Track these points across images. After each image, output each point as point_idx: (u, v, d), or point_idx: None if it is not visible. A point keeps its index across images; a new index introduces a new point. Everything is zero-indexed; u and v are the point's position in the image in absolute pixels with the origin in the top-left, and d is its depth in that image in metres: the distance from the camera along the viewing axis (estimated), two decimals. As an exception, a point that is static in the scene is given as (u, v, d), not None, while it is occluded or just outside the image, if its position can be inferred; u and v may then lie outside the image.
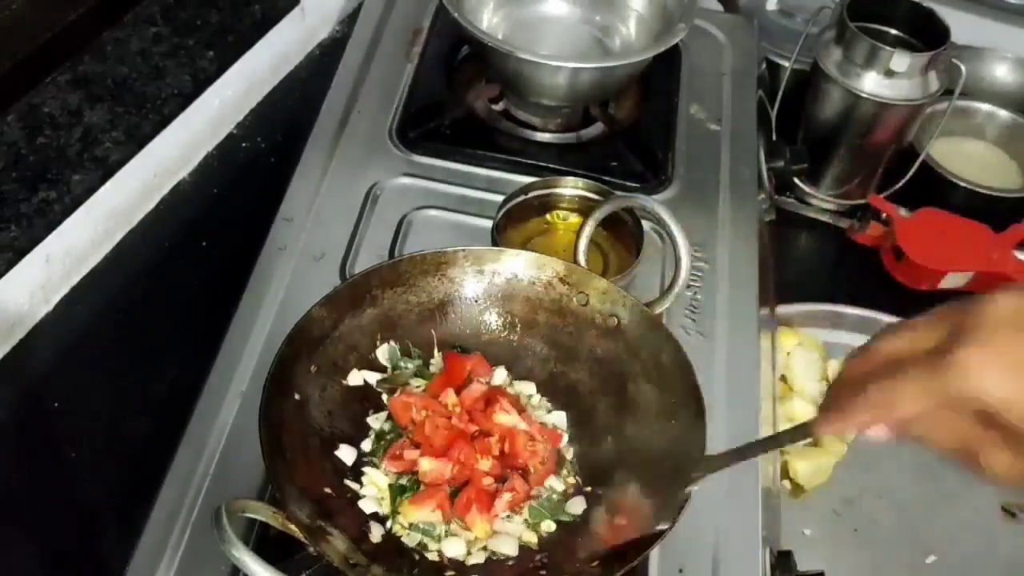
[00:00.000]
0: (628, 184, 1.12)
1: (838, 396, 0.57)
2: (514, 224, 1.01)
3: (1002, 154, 1.50)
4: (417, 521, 0.76)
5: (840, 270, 1.40)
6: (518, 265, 0.89)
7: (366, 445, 0.82)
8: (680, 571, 0.83)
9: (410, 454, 0.79)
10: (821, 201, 1.45)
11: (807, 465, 1.13)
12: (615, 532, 0.76)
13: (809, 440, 1.15)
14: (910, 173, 1.38)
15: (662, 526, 0.71)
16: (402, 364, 0.86)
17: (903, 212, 1.36)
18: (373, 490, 0.79)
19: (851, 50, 1.30)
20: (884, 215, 1.38)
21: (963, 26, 1.36)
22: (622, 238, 1.01)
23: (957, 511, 1.14)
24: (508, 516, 0.78)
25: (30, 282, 0.98)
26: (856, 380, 0.55)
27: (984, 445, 0.50)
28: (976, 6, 1.56)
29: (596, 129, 1.22)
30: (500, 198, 1.00)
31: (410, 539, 0.76)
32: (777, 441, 0.72)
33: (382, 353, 0.86)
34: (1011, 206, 1.39)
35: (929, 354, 0.50)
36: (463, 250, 0.88)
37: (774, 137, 1.37)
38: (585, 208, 1.00)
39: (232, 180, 1.19)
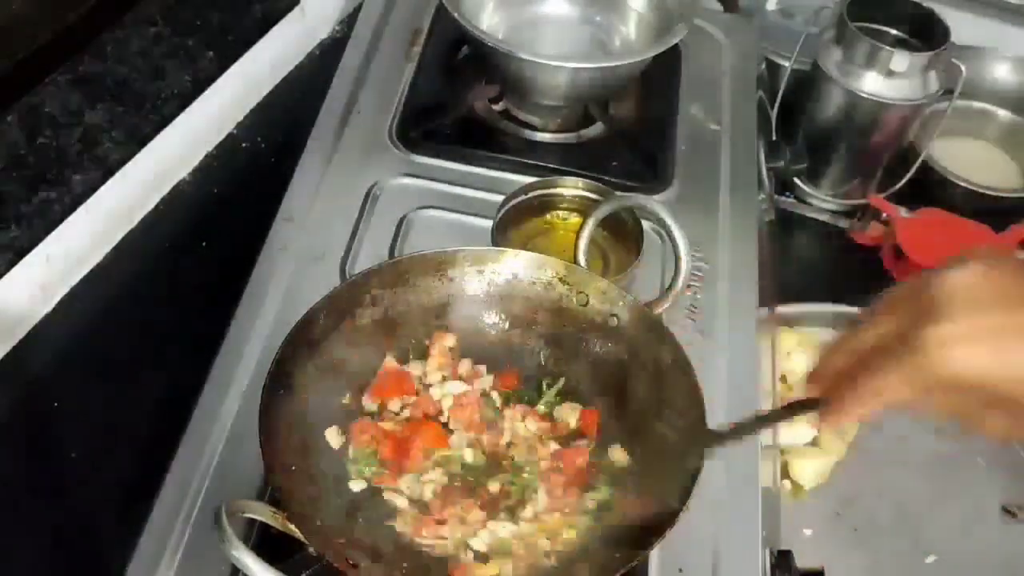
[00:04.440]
0: (628, 184, 1.12)
1: (828, 391, 0.59)
2: (514, 224, 1.01)
3: (1002, 154, 1.50)
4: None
5: (840, 270, 1.40)
6: (518, 265, 0.89)
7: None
8: (680, 571, 0.83)
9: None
10: (821, 201, 1.45)
11: (807, 465, 1.13)
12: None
13: (809, 440, 1.16)
14: (910, 173, 1.38)
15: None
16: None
17: (903, 212, 1.36)
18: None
19: (851, 50, 1.30)
20: (884, 215, 1.38)
21: (963, 26, 1.36)
22: (622, 238, 1.01)
23: (957, 511, 1.14)
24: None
25: (30, 282, 0.98)
26: (839, 375, 0.57)
27: (978, 412, 0.51)
28: (976, 6, 1.56)
29: (596, 129, 1.22)
30: (500, 198, 1.00)
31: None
32: (777, 417, 0.74)
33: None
34: (1011, 206, 1.39)
35: (897, 343, 0.51)
36: (463, 250, 0.88)
37: (774, 137, 1.37)
38: (585, 208, 1.00)
39: (232, 180, 1.19)
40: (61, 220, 0.98)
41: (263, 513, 0.69)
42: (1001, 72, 1.57)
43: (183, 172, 1.17)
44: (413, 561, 0.75)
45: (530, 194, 1.01)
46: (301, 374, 0.80)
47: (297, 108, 1.26)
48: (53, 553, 0.88)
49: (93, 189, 1.02)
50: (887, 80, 1.29)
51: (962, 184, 1.38)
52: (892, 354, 0.51)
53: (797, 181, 1.44)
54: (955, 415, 0.52)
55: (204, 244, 1.12)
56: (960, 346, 0.48)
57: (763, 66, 1.42)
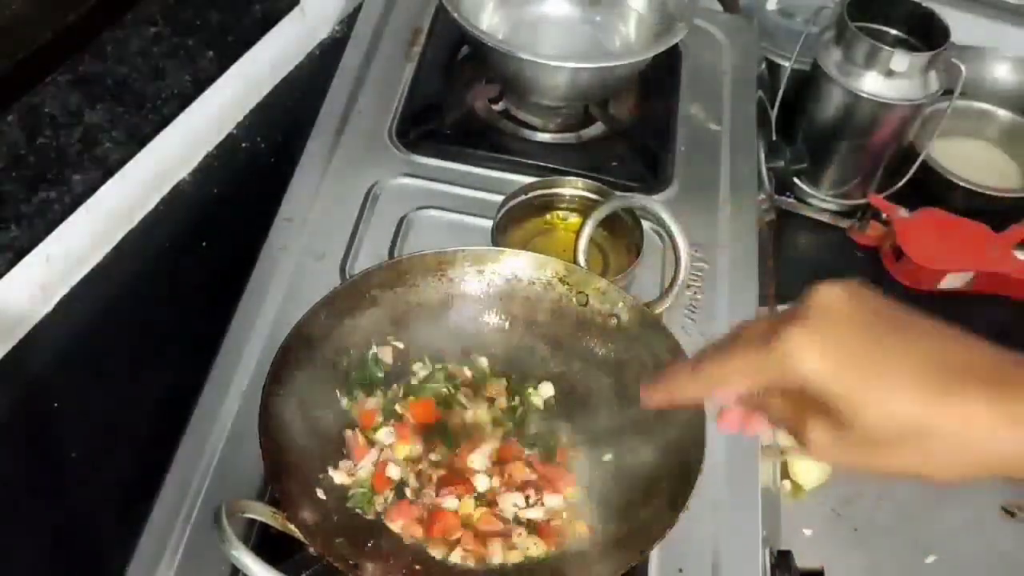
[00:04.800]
0: (628, 184, 1.12)
1: (672, 370, 0.61)
2: (514, 224, 1.01)
3: (1002, 154, 1.50)
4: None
5: (840, 270, 1.40)
6: (518, 265, 0.89)
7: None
8: (680, 571, 0.83)
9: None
10: (821, 201, 1.45)
11: (807, 465, 1.13)
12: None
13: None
14: (910, 173, 1.38)
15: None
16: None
17: (903, 212, 1.36)
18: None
19: (851, 50, 1.30)
20: (884, 215, 1.38)
21: (963, 26, 1.36)
22: (622, 238, 1.01)
23: (957, 511, 1.14)
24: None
25: (30, 282, 0.98)
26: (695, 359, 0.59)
27: (807, 420, 0.53)
28: (976, 6, 1.56)
29: (596, 129, 1.22)
30: (500, 198, 1.00)
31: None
32: None
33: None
34: (1011, 206, 1.40)
35: (756, 338, 0.54)
36: (463, 250, 0.88)
37: (774, 137, 1.37)
38: (585, 208, 1.00)
39: (232, 180, 1.19)
40: (61, 220, 0.98)
41: (263, 513, 0.69)
42: (1001, 72, 1.57)
43: (183, 172, 1.17)
44: (414, 561, 0.75)
45: (530, 194, 1.01)
46: (301, 374, 0.80)
47: (297, 108, 1.26)
48: (53, 553, 0.88)
49: (93, 189, 1.02)
50: (887, 80, 1.29)
51: (962, 184, 1.39)
52: (749, 344, 0.54)
53: (797, 181, 1.44)
54: (786, 420, 0.55)
55: (204, 244, 1.12)
56: (809, 349, 0.51)
57: (763, 66, 1.42)
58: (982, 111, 1.49)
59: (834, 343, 0.51)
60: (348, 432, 0.82)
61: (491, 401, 0.85)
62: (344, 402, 0.83)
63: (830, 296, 0.53)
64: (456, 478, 0.79)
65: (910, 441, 0.50)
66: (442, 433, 0.83)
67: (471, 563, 0.75)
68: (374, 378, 0.85)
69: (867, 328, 0.52)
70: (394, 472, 0.79)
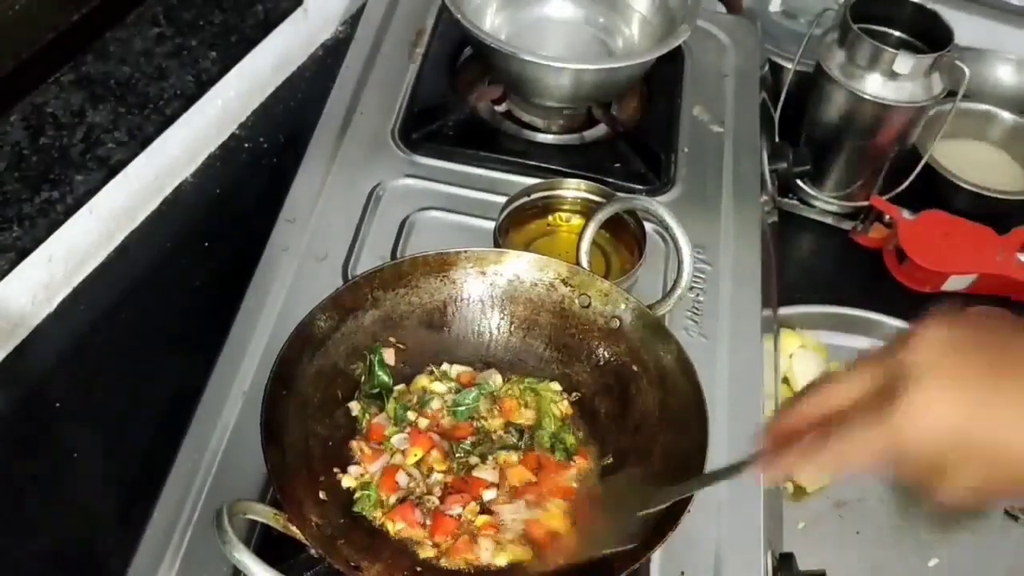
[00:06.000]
0: (631, 186, 1.12)
1: (778, 441, 0.59)
2: (516, 226, 1.01)
3: (1005, 156, 1.49)
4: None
5: (843, 272, 1.40)
6: (520, 267, 0.89)
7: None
8: (682, 574, 0.83)
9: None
10: (824, 203, 1.45)
11: (809, 467, 1.13)
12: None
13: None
14: (913, 175, 1.38)
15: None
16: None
17: (906, 214, 1.36)
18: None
19: (854, 52, 1.29)
20: (887, 217, 1.37)
21: (966, 28, 1.36)
22: (624, 240, 1.01)
23: (960, 514, 1.14)
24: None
25: (33, 282, 0.98)
26: (796, 428, 0.57)
27: (935, 478, 0.51)
28: (979, 8, 1.56)
29: (599, 130, 1.22)
30: (503, 199, 1.01)
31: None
32: (714, 478, 0.72)
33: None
34: (1014, 208, 1.39)
35: (872, 403, 0.51)
36: (465, 251, 0.88)
37: (777, 139, 1.37)
38: (587, 210, 1.00)
39: (235, 181, 1.19)
40: (64, 220, 0.98)
41: (264, 514, 0.69)
42: (1004, 74, 1.57)
43: (186, 173, 1.17)
44: (414, 563, 0.75)
45: (532, 196, 1.01)
46: (303, 375, 0.80)
47: (300, 108, 1.26)
48: (53, 553, 0.88)
49: (96, 189, 1.02)
50: (890, 82, 1.28)
51: (965, 186, 1.38)
52: (866, 415, 0.52)
53: (800, 183, 1.44)
54: (920, 476, 0.53)
55: (206, 245, 1.12)
56: (938, 407, 0.49)
57: (766, 68, 1.42)
58: (985, 113, 1.49)
59: (958, 395, 0.49)
60: (353, 443, 0.81)
61: (505, 412, 0.85)
62: (354, 409, 0.83)
63: (933, 343, 0.51)
64: (464, 486, 0.79)
65: None
66: (457, 442, 0.83)
67: (468, 567, 0.75)
68: (382, 383, 0.85)
69: (984, 375, 0.49)
70: (403, 479, 0.79)
